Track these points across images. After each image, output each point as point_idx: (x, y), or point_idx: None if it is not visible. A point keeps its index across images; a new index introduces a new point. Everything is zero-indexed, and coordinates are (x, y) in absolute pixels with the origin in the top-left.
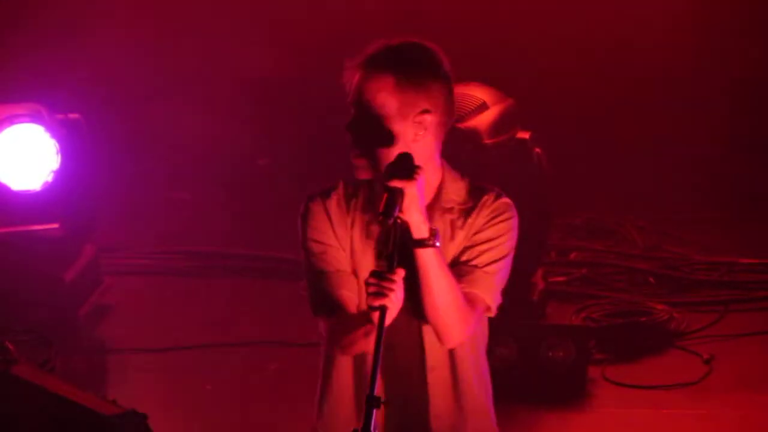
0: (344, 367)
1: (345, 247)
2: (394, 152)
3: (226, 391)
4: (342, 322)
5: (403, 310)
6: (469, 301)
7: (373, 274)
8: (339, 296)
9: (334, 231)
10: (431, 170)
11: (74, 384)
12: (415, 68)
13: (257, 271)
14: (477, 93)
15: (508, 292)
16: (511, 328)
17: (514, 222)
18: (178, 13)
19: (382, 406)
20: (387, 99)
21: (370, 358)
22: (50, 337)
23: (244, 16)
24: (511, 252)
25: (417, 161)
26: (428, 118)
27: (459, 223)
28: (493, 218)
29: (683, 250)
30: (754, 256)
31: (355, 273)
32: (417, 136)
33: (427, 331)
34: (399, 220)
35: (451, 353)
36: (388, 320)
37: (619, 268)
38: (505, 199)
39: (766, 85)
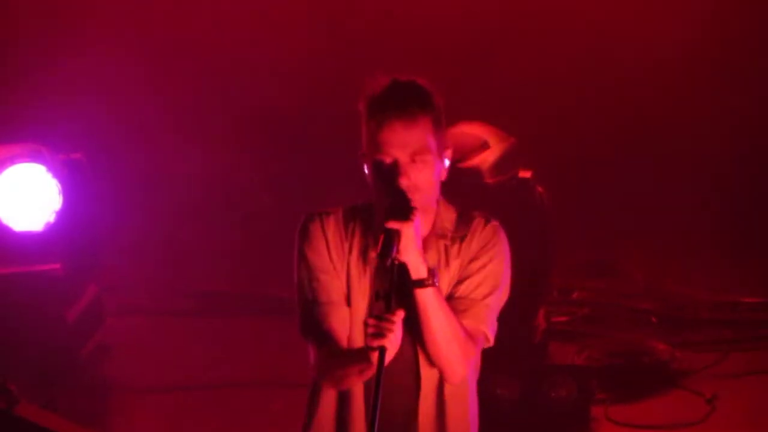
0: (330, 396)
1: (340, 271)
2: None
3: (229, 431)
4: (332, 356)
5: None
6: (471, 335)
7: (372, 315)
8: (329, 328)
9: (330, 253)
10: (433, 204)
11: (77, 424)
12: (440, 107)
13: (260, 310)
14: (479, 132)
15: (510, 332)
16: (513, 368)
17: (505, 244)
18: (178, 50)
19: None
20: (430, 140)
21: (356, 390)
22: (53, 377)
23: (245, 52)
24: (507, 275)
25: (430, 194)
26: (449, 153)
27: (453, 250)
28: (486, 244)
29: (685, 289)
30: (756, 295)
31: (348, 299)
32: (443, 173)
33: (423, 367)
34: (396, 261)
35: (440, 384)
36: (386, 360)
37: (621, 307)
38: (494, 223)
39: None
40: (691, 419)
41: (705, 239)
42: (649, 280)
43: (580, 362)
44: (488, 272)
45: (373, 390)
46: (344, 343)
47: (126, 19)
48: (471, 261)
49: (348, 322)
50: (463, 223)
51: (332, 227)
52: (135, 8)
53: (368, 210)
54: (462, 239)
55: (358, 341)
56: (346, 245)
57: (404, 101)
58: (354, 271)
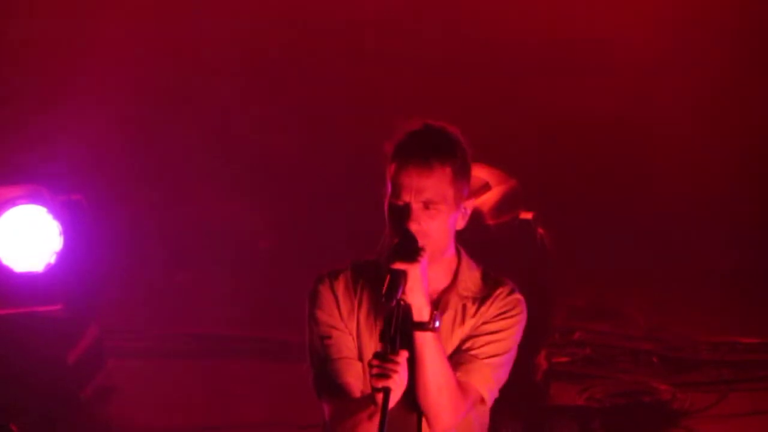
0: None
1: (351, 328)
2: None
3: None
4: (346, 409)
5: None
6: (464, 390)
7: (376, 355)
8: (343, 383)
9: (340, 312)
10: (449, 255)
11: None
12: (464, 158)
13: (261, 353)
14: (480, 173)
15: (511, 372)
16: (515, 409)
17: (522, 318)
18: (177, 94)
19: None
20: (447, 190)
21: None
22: (53, 420)
23: (245, 100)
24: (515, 348)
25: (441, 242)
26: (471, 204)
27: (471, 310)
28: (504, 312)
29: (686, 330)
30: (756, 336)
31: (360, 356)
32: (459, 222)
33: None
34: (402, 302)
35: None
36: (392, 402)
37: (622, 348)
38: (518, 296)
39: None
40: None
41: (706, 279)
42: (649, 321)
43: (581, 403)
44: (498, 338)
45: None
46: (359, 396)
47: (131, 59)
48: (484, 323)
49: (362, 377)
50: (487, 284)
51: (342, 286)
52: (135, 47)
53: (376, 265)
54: (482, 301)
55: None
56: (356, 301)
57: (425, 148)
58: (363, 326)
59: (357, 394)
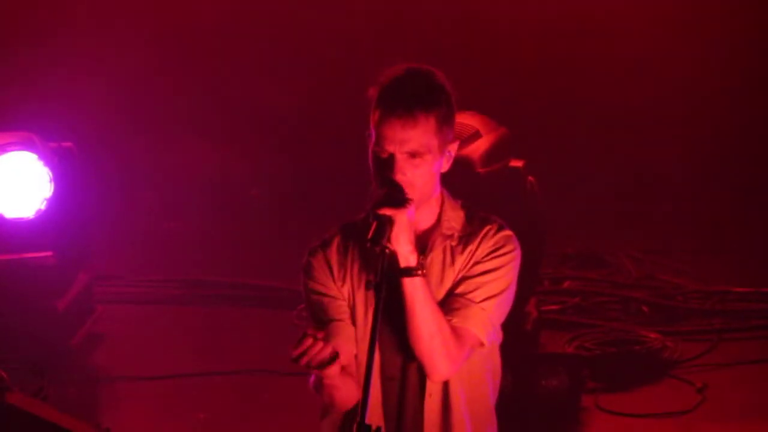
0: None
1: (345, 291)
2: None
3: (218, 420)
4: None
5: (402, 345)
6: (460, 336)
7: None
8: (333, 345)
9: (334, 279)
10: (434, 197)
11: (67, 412)
12: (448, 103)
13: (249, 300)
14: (470, 121)
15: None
16: (504, 357)
17: (516, 255)
18: (171, 42)
19: None
20: (431, 140)
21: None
22: (43, 366)
23: (236, 46)
24: (512, 286)
25: (426, 189)
26: (454, 147)
27: (458, 249)
28: (494, 251)
29: (677, 279)
30: (747, 285)
31: (353, 318)
32: (444, 166)
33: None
34: (388, 250)
35: (445, 387)
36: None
37: (612, 297)
38: (508, 232)
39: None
40: (681, 408)
41: (697, 229)
42: (640, 270)
43: (571, 351)
44: (492, 277)
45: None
46: (350, 359)
47: (122, 9)
48: (475, 264)
49: (353, 340)
50: (472, 223)
51: (334, 253)
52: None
53: (365, 221)
54: (469, 240)
55: (360, 353)
56: (348, 262)
57: (409, 99)
58: (356, 283)
59: (349, 356)
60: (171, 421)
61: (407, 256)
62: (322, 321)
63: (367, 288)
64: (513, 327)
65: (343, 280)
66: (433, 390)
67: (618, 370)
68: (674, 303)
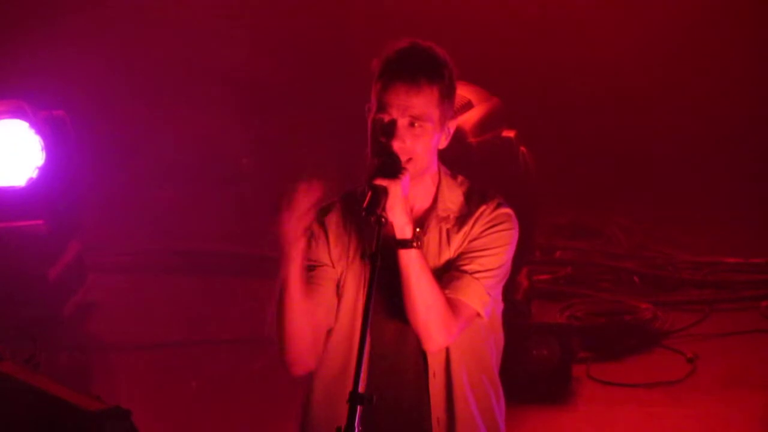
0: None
1: (342, 261)
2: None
3: (210, 388)
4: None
5: (400, 318)
6: (455, 307)
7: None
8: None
9: (329, 251)
10: (430, 174)
11: (58, 380)
12: (450, 78)
13: (242, 269)
14: (462, 91)
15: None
16: None
17: (512, 233)
18: (162, 12)
19: (373, 408)
20: (433, 111)
21: (348, 383)
22: (34, 334)
23: (229, 15)
24: (508, 262)
25: (423, 161)
26: (453, 124)
27: (454, 230)
28: (490, 228)
29: (668, 249)
30: (738, 256)
31: (341, 291)
32: (442, 142)
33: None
34: (383, 219)
35: (448, 358)
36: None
37: (603, 267)
38: (505, 209)
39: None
40: (671, 378)
41: (691, 199)
42: (631, 240)
43: (562, 321)
44: (488, 253)
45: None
46: (325, 297)
47: None
48: (472, 241)
49: (334, 282)
50: (470, 202)
51: (333, 220)
52: None
53: (363, 191)
54: (464, 221)
55: (346, 327)
56: (347, 231)
57: (414, 68)
58: (353, 254)
59: (326, 294)
60: (162, 389)
61: (403, 228)
62: (309, 280)
63: (362, 258)
64: (504, 296)
65: (342, 250)
66: (436, 370)
67: (609, 339)
68: (666, 273)
